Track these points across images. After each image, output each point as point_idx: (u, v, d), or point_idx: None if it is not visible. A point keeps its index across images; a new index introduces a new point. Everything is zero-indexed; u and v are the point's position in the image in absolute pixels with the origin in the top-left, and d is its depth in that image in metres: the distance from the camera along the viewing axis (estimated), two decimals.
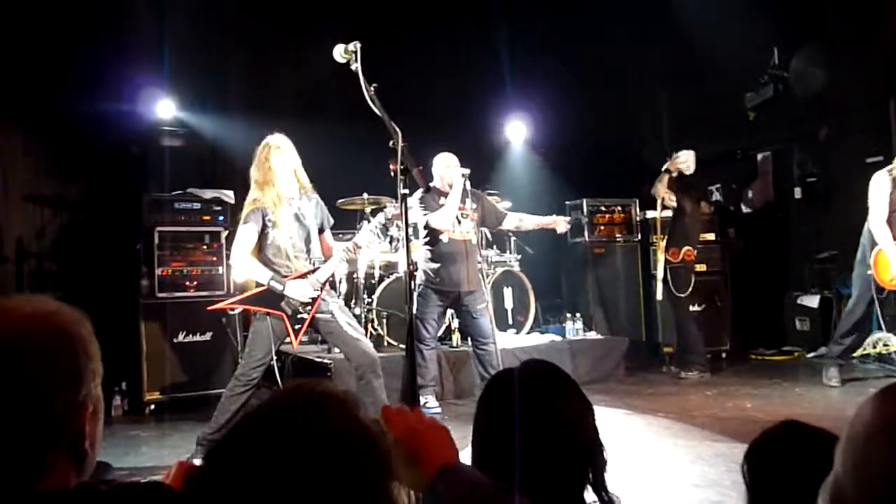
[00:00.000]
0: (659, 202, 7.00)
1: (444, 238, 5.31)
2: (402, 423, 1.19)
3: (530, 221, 5.83)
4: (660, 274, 6.93)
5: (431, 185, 5.27)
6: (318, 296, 4.27)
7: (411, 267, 3.19)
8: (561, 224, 5.70)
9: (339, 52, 3.27)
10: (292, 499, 0.86)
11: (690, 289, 6.91)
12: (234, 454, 0.90)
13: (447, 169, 5.39)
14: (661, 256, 6.95)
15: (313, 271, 4.27)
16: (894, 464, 0.79)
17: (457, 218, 5.33)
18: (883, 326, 6.29)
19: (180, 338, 5.91)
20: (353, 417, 0.93)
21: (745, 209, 8.89)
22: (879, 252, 5.73)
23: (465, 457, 1.35)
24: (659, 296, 7.01)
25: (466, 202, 5.33)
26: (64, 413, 1.06)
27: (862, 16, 7.08)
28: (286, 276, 4.21)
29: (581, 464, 1.39)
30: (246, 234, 4.21)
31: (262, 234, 4.24)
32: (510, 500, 1.11)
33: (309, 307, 4.25)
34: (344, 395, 0.96)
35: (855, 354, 6.58)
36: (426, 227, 5.35)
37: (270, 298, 4.20)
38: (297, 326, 4.24)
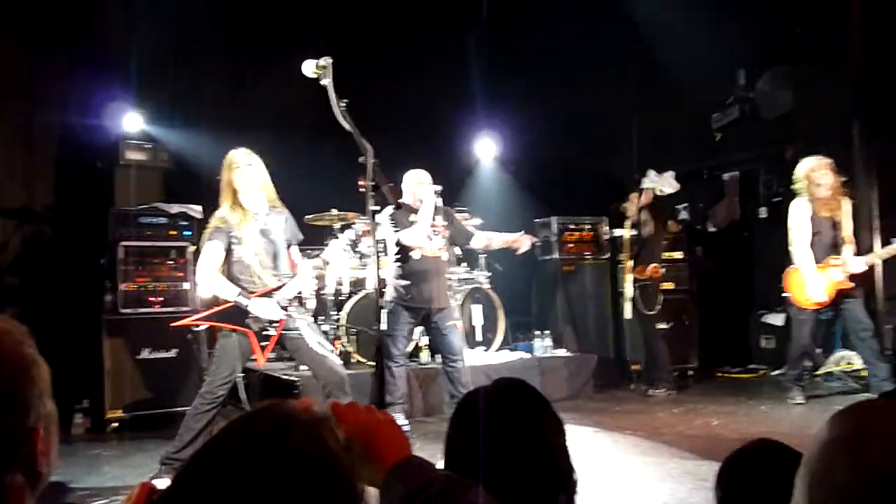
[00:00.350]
0: (629, 220, 7.05)
1: (415, 255, 5.29)
2: (353, 418, 1.16)
3: (498, 240, 5.76)
4: (628, 292, 6.98)
5: (401, 201, 5.27)
6: (285, 313, 4.23)
7: (380, 284, 3.17)
8: (525, 243, 5.62)
9: (309, 68, 3.26)
10: None
11: (658, 306, 6.97)
12: (198, 478, 0.87)
13: (419, 186, 5.36)
14: (628, 275, 7.00)
15: (279, 288, 4.22)
16: (847, 478, 0.79)
17: (427, 235, 5.31)
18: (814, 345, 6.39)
19: (144, 354, 5.80)
20: (321, 441, 0.90)
21: (711, 228, 8.99)
22: (791, 273, 5.81)
23: None
24: (627, 314, 7.04)
25: (437, 219, 5.33)
26: (15, 439, 1.02)
27: (827, 37, 7.21)
28: (253, 293, 4.16)
29: (553, 485, 1.37)
30: (211, 251, 4.16)
31: (229, 251, 4.20)
32: (468, 492, 1.09)
33: (276, 324, 4.21)
34: (310, 416, 0.94)
35: (819, 372, 6.67)
36: (397, 243, 5.32)
37: (236, 315, 4.14)
38: (263, 343, 4.19)
